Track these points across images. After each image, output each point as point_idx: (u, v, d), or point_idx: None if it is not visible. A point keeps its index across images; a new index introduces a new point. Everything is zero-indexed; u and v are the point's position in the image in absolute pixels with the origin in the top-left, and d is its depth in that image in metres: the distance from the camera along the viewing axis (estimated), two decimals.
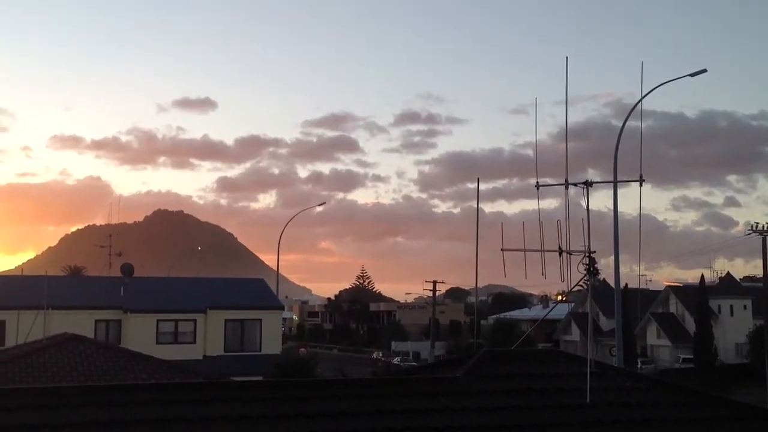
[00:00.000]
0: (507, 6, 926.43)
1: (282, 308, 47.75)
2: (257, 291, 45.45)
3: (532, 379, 8.92)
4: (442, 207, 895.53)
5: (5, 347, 34.24)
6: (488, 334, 65.74)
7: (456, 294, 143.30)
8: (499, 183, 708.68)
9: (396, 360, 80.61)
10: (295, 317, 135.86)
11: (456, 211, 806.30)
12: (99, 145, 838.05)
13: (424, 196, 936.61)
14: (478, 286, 33.89)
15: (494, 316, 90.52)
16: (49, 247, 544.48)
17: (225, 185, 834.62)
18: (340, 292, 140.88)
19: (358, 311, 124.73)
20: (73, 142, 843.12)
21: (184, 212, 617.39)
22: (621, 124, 23.85)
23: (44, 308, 36.80)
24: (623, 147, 24.02)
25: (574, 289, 10.85)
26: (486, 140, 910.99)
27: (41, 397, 7.56)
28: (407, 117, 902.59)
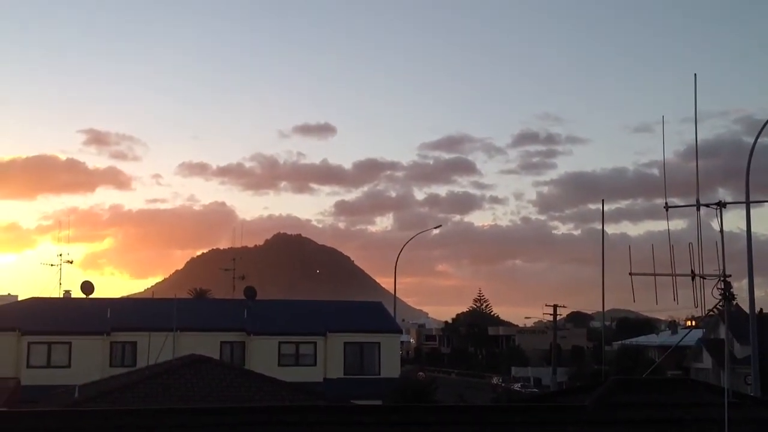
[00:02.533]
0: (627, 22, 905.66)
1: (400, 332, 47.83)
2: (375, 314, 45.72)
3: (665, 408, 8.51)
4: (562, 229, 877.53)
5: (137, 367, 35.80)
6: (613, 361, 63.61)
7: (577, 318, 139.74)
8: (623, 203, 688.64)
9: (517, 386, 79.11)
10: (412, 341, 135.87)
11: (577, 232, 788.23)
12: (224, 172, 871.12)
13: (543, 217, 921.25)
14: (600, 310, 32.83)
15: (619, 342, 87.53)
16: (176, 271, 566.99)
17: (343, 209, 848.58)
18: (457, 315, 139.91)
19: (476, 335, 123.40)
20: (200, 169, 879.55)
21: (302, 235, 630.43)
22: (753, 141, 22.66)
23: (173, 330, 38.40)
24: (755, 164, 22.85)
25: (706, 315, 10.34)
26: (608, 159, 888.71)
27: (177, 418, 7.79)
28: (525, 137, 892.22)
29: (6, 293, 71.01)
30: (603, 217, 17.04)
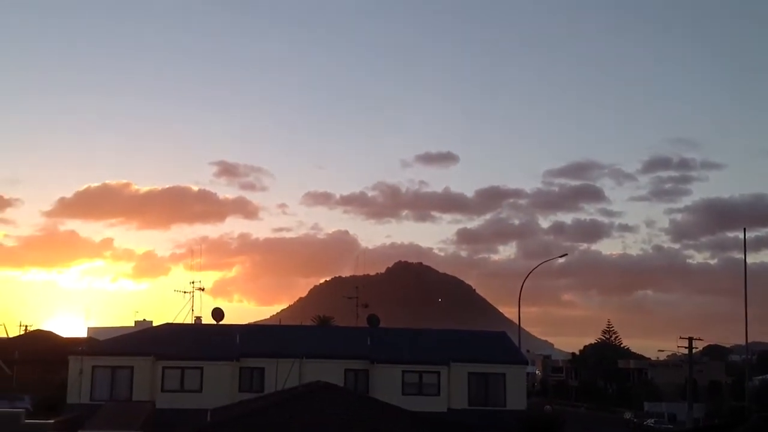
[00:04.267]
0: (764, 39, 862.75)
1: (526, 362, 46.65)
2: (500, 344, 44.81)
3: None
4: (697, 257, 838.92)
5: (265, 393, 36.40)
6: (754, 397, 59.86)
7: (714, 352, 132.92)
8: (763, 231, 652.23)
9: (650, 422, 75.77)
10: (538, 372, 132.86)
11: (713, 262, 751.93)
12: (347, 201, 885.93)
13: (676, 246, 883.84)
14: (739, 343, 30.90)
15: (760, 377, 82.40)
16: (300, 298, 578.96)
17: (465, 237, 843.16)
18: (584, 347, 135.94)
19: (605, 368, 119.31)
20: (324, 198, 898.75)
21: (424, 264, 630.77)
22: None
23: (299, 357, 38.87)
24: None
25: None
26: (747, 185, 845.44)
27: None
28: (656, 163, 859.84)
29: (142, 319, 74.45)
30: (745, 246, 15.97)
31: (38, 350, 52.75)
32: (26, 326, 71.57)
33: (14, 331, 69.54)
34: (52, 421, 30.68)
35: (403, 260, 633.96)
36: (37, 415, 34.46)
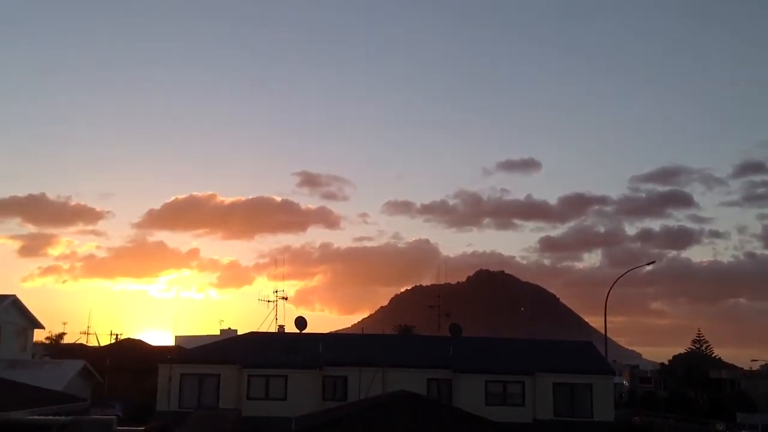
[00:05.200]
0: None
1: (613, 373, 45.48)
2: (586, 354, 43.90)
3: None
4: None
5: (348, 401, 36.52)
6: None
7: None
8: None
9: None
10: (625, 382, 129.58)
11: None
12: (428, 209, 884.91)
13: None
14: None
15: None
16: (381, 307, 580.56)
17: (548, 245, 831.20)
18: (673, 356, 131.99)
19: (696, 378, 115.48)
20: (405, 207, 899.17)
21: (506, 272, 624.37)
22: None
23: (382, 366, 38.88)
24: None
25: None
26: None
27: None
28: (748, 167, 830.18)
29: (227, 327, 75.89)
30: None
31: (128, 358, 54.27)
32: (117, 335, 73.92)
33: (105, 340, 71.95)
34: (142, 428, 31.45)
35: (484, 269, 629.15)
36: (127, 422, 35.42)
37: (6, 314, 44.31)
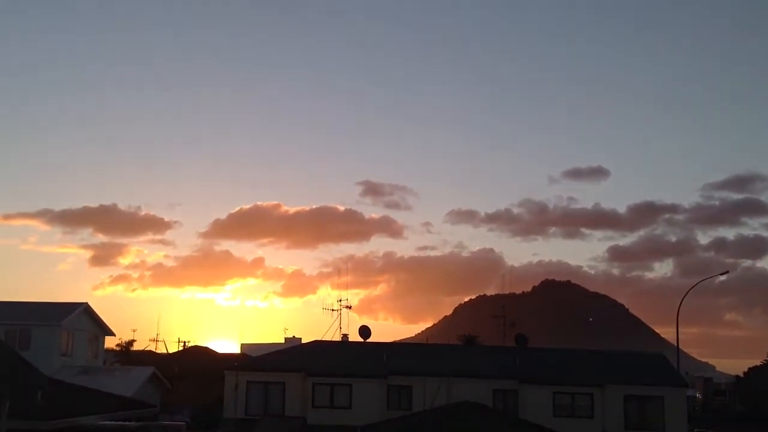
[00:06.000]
0: None
1: (686, 385, 44.16)
2: (657, 366, 42.74)
3: None
4: None
5: (413, 411, 36.23)
6: None
7: None
8: None
9: None
10: (698, 395, 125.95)
11: None
12: (492, 218, 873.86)
13: None
14: None
15: None
16: (445, 317, 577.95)
17: (616, 254, 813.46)
18: (748, 369, 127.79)
19: None
20: (468, 216, 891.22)
21: (572, 282, 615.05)
22: None
23: (447, 376, 38.51)
24: None
25: None
26: None
27: None
28: None
29: (291, 336, 76.35)
30: None
31: (196, 365, 54.92)
32: (184, 342, 74.95)
33: (173, 347, 73.08)
34: None
35: (550, 278, 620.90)
36: (195, 429, 35.81)
37: (78, 322, 45.37)
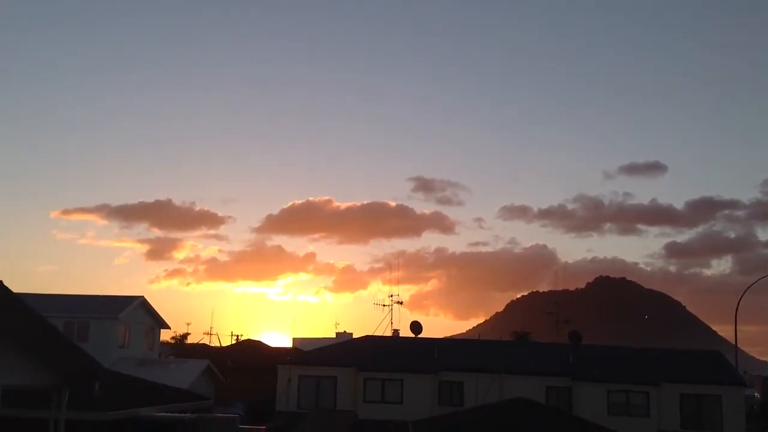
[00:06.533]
0: None
1: (745, 384, 43.17)
2: (714, 364, 41.79)
3: None
4: None
5: (464, 407, 36.08)
6: None
7: None
8: None
9: None
10: (757, 395, 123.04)
11: None
12: (545, 214, 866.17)
13: None
14: None
15: None
16: (496, 313, 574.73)
17: (673, 251, 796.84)
18: None
19: None
20: (521, 212, 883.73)
21: (627, 279, 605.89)
22: None
23: (499, 372, 38.24)
24: None
25: None
26: None
27: None
28: None
29: (342, 330, 76.68)
30: None
31: (248, 359, 55.56)
32: (237, 336, 75.82)
33: (227, 341, 73.99)
34: (263, 427, 32.06)
35: (604, 275, 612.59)
36: (248, 421, 36.21)
37: (135, 315, 46.26)
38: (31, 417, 22.16)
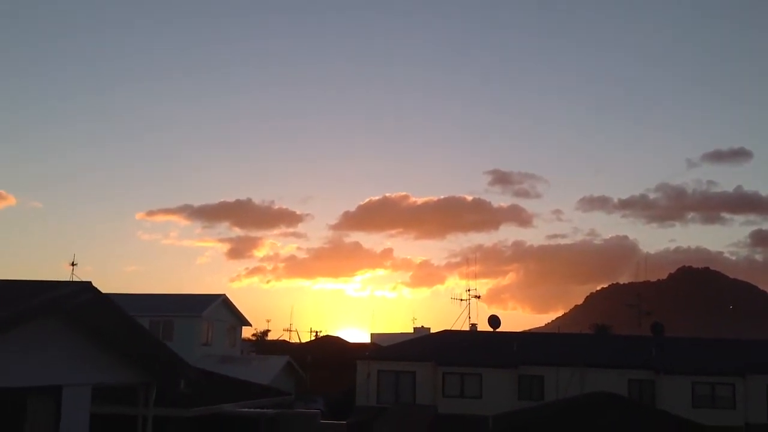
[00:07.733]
0: None
1: None
2: None
3: None
4: None
5: (545, 401, 35.76)
6: None
7: None
8: None
9: None
10: None
11: None
12: (626, 205, 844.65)
13: None
14: None
15: None
16: (576, 305, 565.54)
17: (760, 239, 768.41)
18: None
19: None
20: (601, 203, 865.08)
21: (711, 269, 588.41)
22: None
23: (580, 365, 37.76)
24: None
25: None
26: None
27: None
28: None
29: (420, 325, 76.82)
30: None
31: (328, 355, 56.21)
32: (317, 332, 76.79)
33: (306, 337, 75.01)
34: (344, 422, 32.42)
35: (687, 265, 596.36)
36: (329, 416, 36.69)
37: (217, 312, 47.34)
38: (120, 414, 22.92)
